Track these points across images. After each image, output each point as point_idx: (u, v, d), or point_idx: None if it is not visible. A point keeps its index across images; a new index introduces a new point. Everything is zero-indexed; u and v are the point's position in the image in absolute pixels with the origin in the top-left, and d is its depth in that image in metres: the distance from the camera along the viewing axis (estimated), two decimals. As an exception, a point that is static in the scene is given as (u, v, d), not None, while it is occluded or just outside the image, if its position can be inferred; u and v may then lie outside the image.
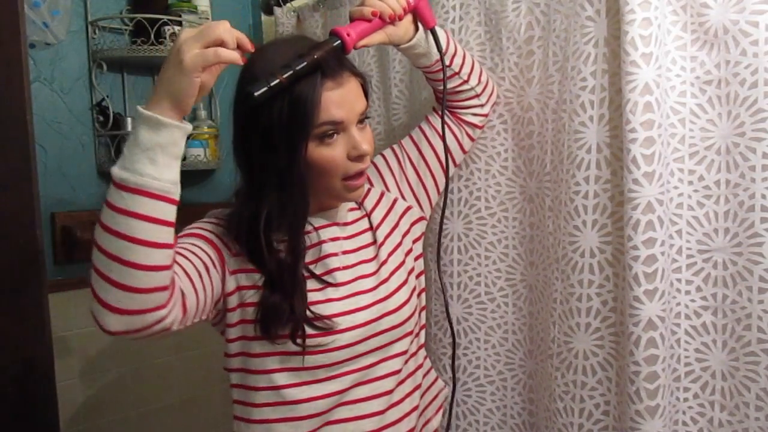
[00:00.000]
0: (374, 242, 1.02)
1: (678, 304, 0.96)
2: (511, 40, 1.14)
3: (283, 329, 0.89)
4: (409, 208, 1.09)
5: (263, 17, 1.83)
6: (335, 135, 0.89)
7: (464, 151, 1.14)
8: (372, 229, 1.03)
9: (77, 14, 1.54)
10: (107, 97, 1.56)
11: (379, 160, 1.11)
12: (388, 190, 1.09)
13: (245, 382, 0.95)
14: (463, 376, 1.24)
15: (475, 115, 1.12)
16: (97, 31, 1.56)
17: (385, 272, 1.00)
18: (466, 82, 1.07)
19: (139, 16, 1.53)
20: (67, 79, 1.53)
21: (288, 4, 1.65)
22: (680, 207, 0.95)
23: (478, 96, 1.10)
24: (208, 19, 1.68)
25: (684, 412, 0.98)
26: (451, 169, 1.16)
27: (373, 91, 1.41)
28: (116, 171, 0.71)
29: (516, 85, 1.15)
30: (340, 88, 0.88)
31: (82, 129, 1.56)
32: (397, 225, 1.05)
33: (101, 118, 1.57)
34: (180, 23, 1.56)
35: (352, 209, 1.04)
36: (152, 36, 1.51)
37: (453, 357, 1.06)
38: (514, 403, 1.21)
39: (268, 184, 0.89)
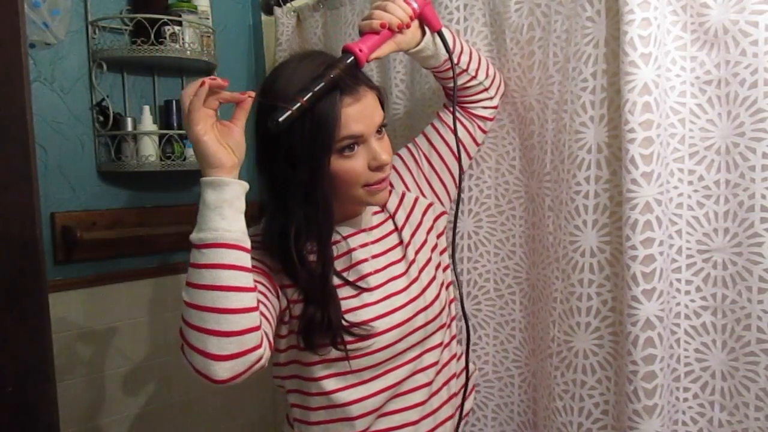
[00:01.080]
0: (401, 243, 1.05)
1: (678, 304, 0.96)
2: (515, 40, 1.14)
3: (324, 339, 0.93)
4: (430, 204, 1.11)
5: (263, 17, 1.83)
6: (356, 147, 0.92)
7: (477, 144, 1.16)
8: (397, 230, 1.06)
9: (77, 14, 1.54)
10: (107, 97, 1.56)
11: (396, 160, 1.13)
12: (408, 189, 1.11)
13: (300, 388, 1.01)
14: (472, 379, 1.24)
15: (485, 108, 1.14)
16: (97, 31, 1.56)
17: (414, 271, 1.03)
18: (474, 77, 1.09)
19: (139, 16, 1.53)
20: (67, 79, 1.53)
21: (288, 4, 1.65)
22: (680, 207, 0.95)
23: (486, 89, 1.12)
24: (208, 19, 1.68)
25: (684, 412, 0.98)
26: (465, 164, 1.17)
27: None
28: (194, 236, 0.80)
29: (519, 86, 1.15)
30: (357, 103, 0.91)
31: (82, 129, 1.56)
32: (420, 223, 1.08)
33: (101, 118, 1.57)
34: (180, 23, 1.56)
35: (376, 212, 1.07)
36: (152, 36, 1.51)
37: (467, 349, 1.06)
38: (520, 401, 1.22)
39: (294, 199, 0.92)
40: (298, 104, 0.84)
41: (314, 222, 0.93)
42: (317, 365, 0.97)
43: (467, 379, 1.08)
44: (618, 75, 0.94)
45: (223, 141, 0.82)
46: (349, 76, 0.89)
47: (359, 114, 0.91)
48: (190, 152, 1.62)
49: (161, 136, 1.58)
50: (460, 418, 1.09)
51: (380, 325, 0.96)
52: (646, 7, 0.89)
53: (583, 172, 1.00)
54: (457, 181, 1.14)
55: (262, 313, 0.84)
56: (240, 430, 1.87)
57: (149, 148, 1.57)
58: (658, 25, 0.90)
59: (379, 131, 0.95)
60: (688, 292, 0.96)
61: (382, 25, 0.93)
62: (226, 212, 0.80)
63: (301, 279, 0.93)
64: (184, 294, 0.79)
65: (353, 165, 0.92)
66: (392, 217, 1.07)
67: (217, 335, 0.77)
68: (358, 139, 0.92)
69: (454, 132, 1.07)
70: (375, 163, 0.93)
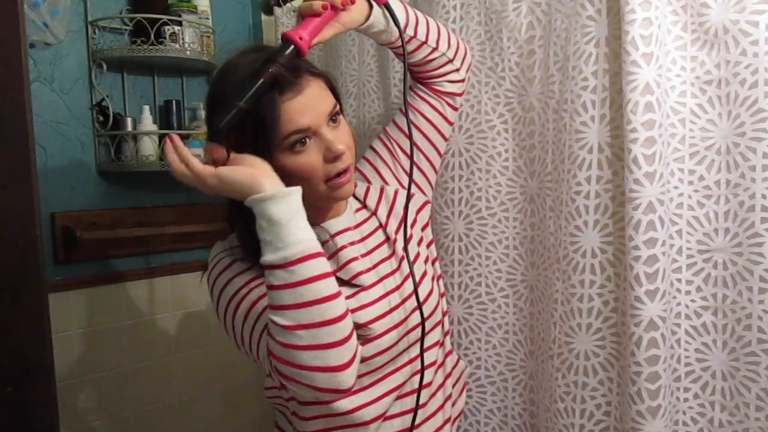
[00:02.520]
0: (387, 239, 1.02)
1: (678, 304, 0.96)
2: (512, 39, 1.14)
3: None
4: (411, 196, 1.07)
5: (263, 17, 1.83)
6: (307, 141, 0.87)
7: (450, 123, 1.11)
8: (382, 226, 1.03)
9: (77, 14, 1.53)
10: (107, 97, 1.56)
11: (369, 153, 1.10)
12: (386, 183, 1.08)
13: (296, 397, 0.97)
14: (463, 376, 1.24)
15: (451, 82, 1.08)
16: (97, 31, 1.56)
17: (406, 267, 1.00)
18: (435, 49, 1.04)
19: (139, 16, 1.53)
20: (67, 79, 1.53)
21: (288, 4, 1.64)
22: (680, 207, 0.95)
23: (451, 61, 1.06)
24: (208, 19, 1.68)
25: (684, 413, 0.98)
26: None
27: (372, 90, 1.41)
28: (272, 257, 0.76)
29: (517, 85, 1.15)
30: (299, 96, 0.85)
31: (82, 129, 1.56)
32: (404, 218, 1.04)
33: (101, 118, 1.56)
34: (180, 23, 1.56)
35: (358, 209, 1.03)
36: (152, 36, 1.51)
37: (421, 343, 1.00)
38: (515, 404, 1.21)
39: None
40: (237, 107, 0.80)
41: None
42: None
43: (422, 371, 1.00)
44: (619, 74, 0.94)
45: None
46: (288, 68, 0.84)
47: (303, 106, 0.85)
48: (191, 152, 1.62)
49: (161, 136, 1.57)
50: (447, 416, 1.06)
51: (379, 327, 0.92)
52: (647, 7, 0.89)
53: (583, 172, 1.00)
54: (437, 167, 1.10)
55: None
56: (240, 430, 1.87)
57: (149, 148, 1.56)
58: (659, 25, 0.90)
59: (333, 120, 0.89)
60: (688, 292, 0.96)
61: (324, 6, 0.86)
62: (301, 222, 0.77)
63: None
64: (282, 320, 0.75)
65: (307, 159, 0.87)
66: (375, 213, 1.03)
67: (335, 346, 0.76)
68: (307, 133, 0.86)
69: (405, 113, 1.03)
70: (330, 154, 0.87)
